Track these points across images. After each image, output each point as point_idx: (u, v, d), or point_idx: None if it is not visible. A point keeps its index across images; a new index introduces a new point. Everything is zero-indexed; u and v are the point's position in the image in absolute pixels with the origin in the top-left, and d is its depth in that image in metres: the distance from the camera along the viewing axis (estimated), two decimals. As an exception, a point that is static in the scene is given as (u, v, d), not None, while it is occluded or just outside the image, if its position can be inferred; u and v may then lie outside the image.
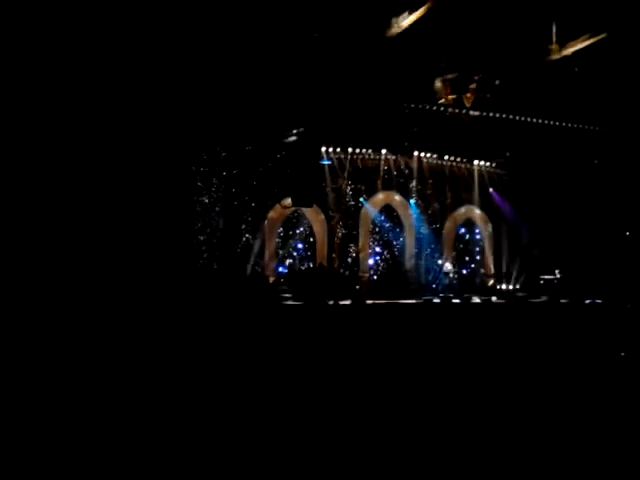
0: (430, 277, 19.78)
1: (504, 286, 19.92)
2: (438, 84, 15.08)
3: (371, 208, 19.37)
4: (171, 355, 7.83)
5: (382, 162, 19.06)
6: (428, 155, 19.38)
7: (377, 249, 19.79)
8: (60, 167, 10.59)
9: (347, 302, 15.13)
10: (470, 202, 20.82)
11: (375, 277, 18.77)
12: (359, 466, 4.12)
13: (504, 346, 9.28)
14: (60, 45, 10.14)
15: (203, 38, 11.96)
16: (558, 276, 18.59)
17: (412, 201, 19.87)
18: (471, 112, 15.74)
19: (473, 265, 20.96)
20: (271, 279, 16.70)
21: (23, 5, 9.74)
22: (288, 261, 17.95)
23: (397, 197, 19.81)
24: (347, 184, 18.96)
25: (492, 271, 20.81)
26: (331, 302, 14.80)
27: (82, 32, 10.34)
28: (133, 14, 10.78)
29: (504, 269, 20.68)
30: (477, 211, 20.99)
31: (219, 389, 6.34)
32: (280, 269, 17.79)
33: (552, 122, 16.63)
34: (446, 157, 19.64)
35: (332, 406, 5.68)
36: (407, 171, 19.63)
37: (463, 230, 21.00)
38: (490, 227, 21.16)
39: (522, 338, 9.94)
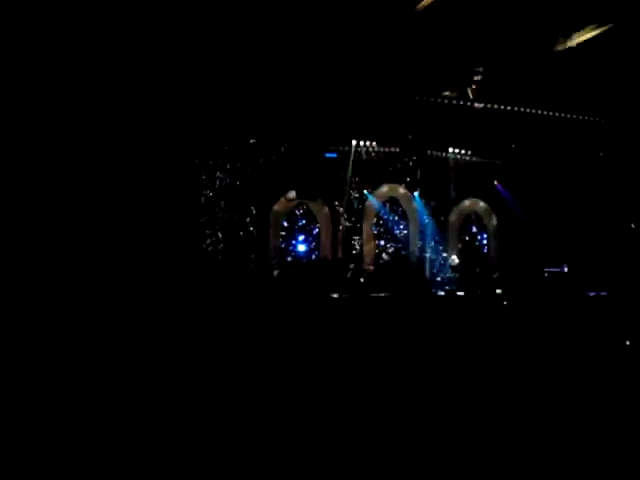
0: (435, 270, 19.79)
1: (508, 278, 19.88)
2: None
3: (375, 201, 19.38)
4: (175, 346, 7.86)
5: (386, 154, 19.06)
6: (432, 147, 19.35)
7: (381, 242, 19.81)
8: (65, 160, 10.62)
9: (351, 295, 15.16)
10: (475, 194, 20.80)
11: (379, 270, 18.77)
12: (359, 463, 4.13)
13: (509, 338, 9.28)
14: (63, 39, 10.14)
15: (207, 33, 11.94)
16: (565, 269, 18.56)
17: (416, 193, 19.86)
18: (476, 104, 15.68)
19: (477, 257, 20.95)
20: (275, 272, 16.73)
21: (23, 5, 9.73)
22: (292, 254, 17.99)
23: (401, 190, 19.81)
24: (351, 177, 18.98)
25: (496, 263, 20.79)
26: (335, 295, 14.83)
27: (87, 26, 10.33)
28: (138, 8, 10.76)
29: (509, 261, 20.66)
30: (482, 204, 20.96)
31: (222, 382, 6.36)
32: (284, 262, 17.83)
33: (557, 114, 16.56)
34: (450, 149, 19.59)
35: (335, 401, 5.69)
36: (411, 163, 19.63)
37: (468, 223, 21.00)
38: (495, 219, 21.13)
39: (527, 330, 9.94)
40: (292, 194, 17.05)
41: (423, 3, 11.16)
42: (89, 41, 10.53)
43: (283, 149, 16.67)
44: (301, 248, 18.36)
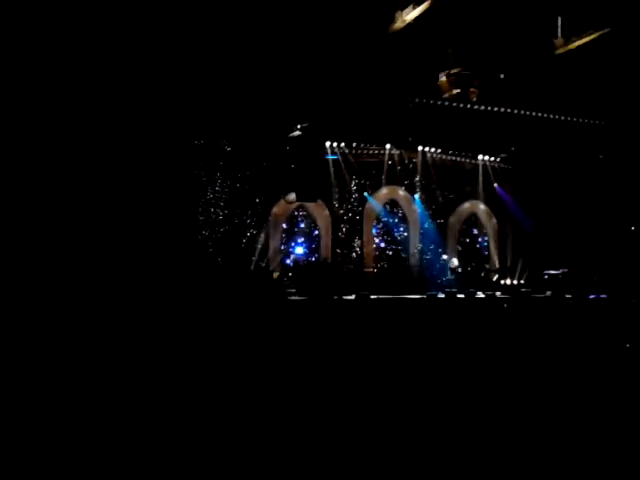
0: (435, 272, 19.74)
1: (508, 281, 19.88)
2: (442, 79, 15.00)
3: (375, 203, 19.37)
4: (176, 349, 7.85)
5: (386, 157, 19.03)
6: (432, 150, 19.35)
7: (381, 244, 19.80)
8: (66, 163, 10.61)
9: (351, 297, 15.14)
10: (474, 197, 20.80)
11: (379, 272, 18.74)
12: (360, 463, 4.13)
13: (509, 341, 9.27)
14: (62, 41, 10.14)
15: (208, 34, 11.95)
16: (565, 272, 18.53)
17: (416, 196, 19.85)
18: (476, 106, 15.68)
19: (477, 260, 20.92)
20: (275, 274, 16.71)
21: (24, 5, 9.73)
22: (292, 256, 17.97)
23: (401, 192, 19.81)
24: (351, 179, 18.96)
25: (496, 266, 20.78)
26: (335, 297, 14.81)
27: (86, 28, 10.34)
28: (137, 9, 10.77)
29: (508, 264, 20.64)
30: (481, 206, 20.95)
31: (223, 383, 6.36)
32: (285, 264, 17.81)
33: (557, 116, 16.56)
34: (450, 152, 19.57)
35: (335, 401, 5.69)
36: (411, 166, 19.61)
37: (467, 225, 20.98)
38: (494, 222, 21.12)
39: (527, 333, 9.94)
40: (292, 196, 17.02)
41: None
42: (90, 45, 10.52)
43: (283, 151, 16.63)
44: (301, 250, 18.34)
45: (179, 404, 5.42)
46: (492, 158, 20.33)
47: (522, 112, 16.30)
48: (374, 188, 19.28)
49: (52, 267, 9.76)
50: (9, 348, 6.99)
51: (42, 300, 8.79)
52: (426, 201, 19.94)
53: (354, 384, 6.40)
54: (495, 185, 20.83)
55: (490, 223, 21.06)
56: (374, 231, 19.50)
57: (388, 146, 18.78)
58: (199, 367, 7.04)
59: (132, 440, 4.36)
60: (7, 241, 9.57)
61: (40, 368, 6.42)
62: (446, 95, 15.43)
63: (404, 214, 19.92)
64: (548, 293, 17.86)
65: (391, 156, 19.15)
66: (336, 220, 18.54)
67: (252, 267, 15.98)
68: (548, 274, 19.14)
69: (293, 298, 14.68)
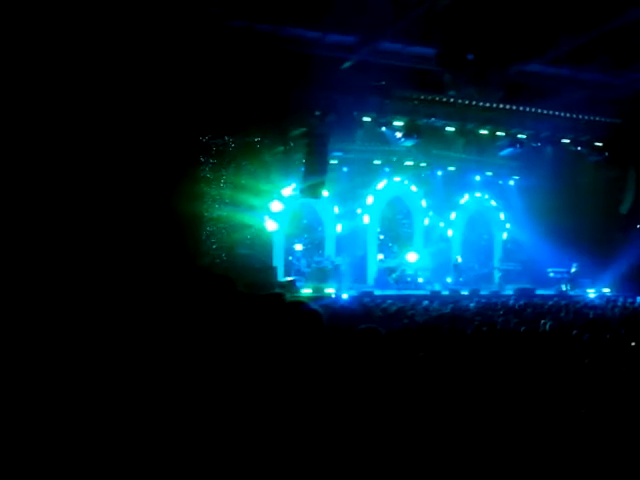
0: (441, 269, 19.62)
1: (514, 278, 19.84)
2: (448, 76, 14.92)
3: (380, 200, 19.33)
4: (174, 352, 7.87)
5: (391, 152, 18.82)
6: (438, 147, 19.03)
7: (388, 241, 19.82)
8: (66, 159, 10.62)
9: (355, 293, 15.10)
10: (481, 193, 20.75)
11: (384, 269, 18.71)
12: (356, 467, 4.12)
13: (510, 338, 9.25)
14: (62, 36, 10.13)
15: (210, 31, 11.97)
16: (574, 270, 18.45)
17: (422, 192, 19.79)
18: (481, 103, 15.61)
19: (483, 257, 20.87)
20: (278, 271, 16.68)
21: (24, 5, 9.72)
22: (296, 254, 17.93)
23: (407, 188, 19.75)
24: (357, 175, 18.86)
25: (502, 263, 20.75)
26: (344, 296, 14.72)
27: (85, 24, 10.33)
28: (139, 4, 10.78)
29: (515, 261, 20.60)
30: (487, 203, 20.91)
31: (221, 387, 6.37)
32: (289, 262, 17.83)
33: (563, 114, 16.50)
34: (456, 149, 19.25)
35: (333, 402, 5.69)
36: (417, 162, 19.46)
37: (473, 222, 20.93)
38: (501, 218, 21.09)
39: (529, 329, 9.92)
40: (296, 193, 17.00)
41: None
42: (90, 41, 10.52)
43: (288, 147, 16.58)
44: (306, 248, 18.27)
45: (177, 405, 5.43)
46: (499, 154, 20.09)
47: (528, 109, 16.25)
48: (379, 185, 19.29)
49: (42, 266, 9.66)
50: None
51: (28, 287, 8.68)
52: (432, 198, 19.95)
53: (353, 383, 6.41)
54: (500, 182, 20.79)
55: (496, 220, 21.08)
56: (379, 228, 19.51)
57: (393, 141, 18.44)
58: (196, 370, 7.04)
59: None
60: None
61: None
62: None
63: (409, 211, 19.91)
64: (552, 290, 17.88)
65: (396, 152, 18.93)
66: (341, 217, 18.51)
67: (256, 265, 15.80)
68: (554, 271, 19.09)
69: (296, 295, 14.60)
